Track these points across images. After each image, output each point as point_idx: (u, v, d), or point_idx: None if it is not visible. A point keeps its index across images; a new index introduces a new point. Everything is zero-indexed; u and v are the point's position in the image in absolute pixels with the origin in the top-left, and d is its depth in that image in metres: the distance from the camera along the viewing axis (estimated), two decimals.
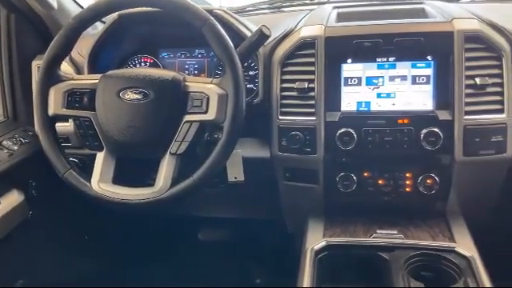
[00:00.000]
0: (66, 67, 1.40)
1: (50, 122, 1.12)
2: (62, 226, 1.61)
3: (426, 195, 1.19)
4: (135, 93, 1.07)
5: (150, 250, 1.91)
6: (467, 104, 1.13)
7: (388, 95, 1.19)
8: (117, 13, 1.31)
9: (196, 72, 1.45)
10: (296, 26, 1.31)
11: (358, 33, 1.19)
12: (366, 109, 1.20)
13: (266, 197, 1.46)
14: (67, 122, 1.38)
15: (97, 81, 1.10)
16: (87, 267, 1.73)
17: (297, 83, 1.21)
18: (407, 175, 1.20)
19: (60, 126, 1.33)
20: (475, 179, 1.19)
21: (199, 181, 1.05)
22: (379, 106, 1.19)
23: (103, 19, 1.20)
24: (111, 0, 1.08)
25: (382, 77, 1.19)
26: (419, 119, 1.15)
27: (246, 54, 1.13)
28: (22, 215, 1.39)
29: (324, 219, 1.26)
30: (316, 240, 1.16)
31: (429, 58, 1.16)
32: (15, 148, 1.38)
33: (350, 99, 1.20)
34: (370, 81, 1.19)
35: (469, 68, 1.13)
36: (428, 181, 1.18)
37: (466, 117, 1.13)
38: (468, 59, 1.13)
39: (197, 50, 1.45)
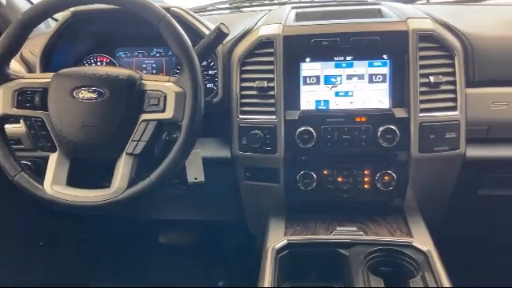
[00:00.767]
0: (16, 66, 1.35)
1: None
2: (13, 230, 1.54)
3: (384, 191, 1.21)
4: (89, 91, 1.03)
5: (109, 255, 1.86)
6: (422, 102, 1.16)
7: (346, 94, 1.20)
8: (70, 10, 1.27)
9: (154, 71, 1.42)
10: (255, 26, 1.31)
11: (315, 32, 1.20)
12: (324, 107, 1.21)
13: (227, 197, 1.45)
14: (19, 123, 1.33)
15: (49, 79, 1.06)
16: (42, 273, 1.66)
17: (256, 82, 1.21)
18: (365, 172, 1.22)
19: (11, 128, 1.28)
20: (431, 175, 1.22)
21: (157, 181, 1.02)
22: (337, 104, 1.20)
23: (56, 17, 1.17)
24: None
25: (340, 76, 1.20)
26: (376, 117, 1.17)
27: (204, 53, 1.12)
28: None
29: (285, 218, 1.27)
30: (277, 239, 1.16)
31: (385, 57, 1.18)
32: None
33: (309, 98, 1.21)
34: (328, 80, 1.20)
35: (423, 66, 1.16)
36: (385, 177, 1.20)
37: (421, 114, 1.16)
38: (422, 58, 1.16)
39: (155, 49, 1.42)
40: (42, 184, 1.05)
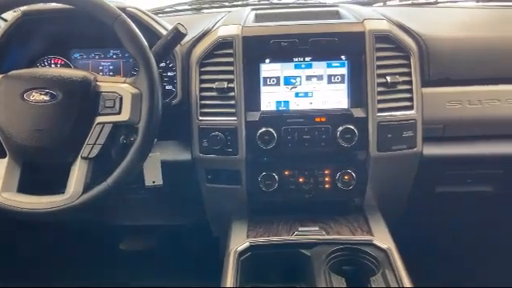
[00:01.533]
0: None
1: None
2: None
3: (345, 191, 1.22)
4: (41, 94, 1.00)
5: (68, 264, 1.80)
6: (380, 101, 1.18)
7: (306, 94, 1.21)
8: (21, 10, 1.22)
9: (111, 74, 1.39)
10: (214, 26, 1.29)
11: (274, 33, 1.20)
12: (285, 108, 1.21)
13: (189, 201, 1.43)
14: None
15: None
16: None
17: (216, 83, 1.19)
18: (326, 172, 1.22)
19: None
20: (389, 174, 1.24)
21: (114, 185, 0.99)
22: (297, 105, 1.21)
23: (6, 17, 1.12)
24: None
25: (300, 76, 1.20)
26: (335, 117, 1.18)
27: (161, 53, 1.10)
28: None
29: (248, 220, 1.26)
30: (239, 241, 1.15)
31: (343, 57, 1.19)
32: None
33: (270, 99, 1.21)
34: (287, 80, 1.20)
35: (380, 67, 1.18)
36: (345, 177, 1.21)
37: (379, 114, 1.17)
38: (379, 58, 1.18)
39: (111, 51, 1.39)
40: None
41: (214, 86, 1.19)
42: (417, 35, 1.24)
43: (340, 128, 1.17)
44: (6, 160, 1.02)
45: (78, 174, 1.00)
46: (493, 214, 1.48)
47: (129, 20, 0.99)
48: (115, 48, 1.38)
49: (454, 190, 1.35)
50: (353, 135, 1.16)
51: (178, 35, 1.09)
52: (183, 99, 1.24)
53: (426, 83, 1.22)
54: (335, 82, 1.20)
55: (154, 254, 1.82)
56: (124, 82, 1.01)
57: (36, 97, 1.00)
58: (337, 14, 1.34)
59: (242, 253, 1.12)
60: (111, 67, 1.39)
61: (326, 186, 1.23)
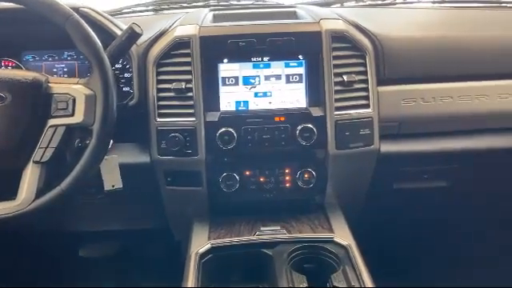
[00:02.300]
0: None
1: None
2: None
3: (305, 189, 1.23)
4: None
5: (25, 274, 1.73)
6: (337, 100, 1.19)
7: (265, 94, 1.21)
8: None
9: (66, 76, 1.35)
10: (170, 27, 1.28)
11: (232, 32, 1.19)
12: (244, 108, 1.21)
13: (149, 205, 1.41)
14: None
15: None
16: None
17: (174, 84, 1.18)
18: (286, 171, 1.23)
19: None
20: (348, 171, 1.26)
21: (68, 190, 0.96)
22: (257, 105, 1.21)
23: None
24: None
25: (258, 76, 1.20)
26: (294, 116, 1.19)
27: (116, 54, 1.07)
28: None
29: (209, 222, 1.25)
30: (201, 243, 1.14)
31: (300, 57, 1.20)
32: None
33: (229, 99, 1.20)
34: (246, 80, 1.20)
35: (337, 66, 1.19)
36: (306, 175, 1.22)
37: (337, 112, 1.19)
38: (335, 58, 1.19)
39: (66, 52, 1.35)
40: None
41: (171, 86, 1.18)
42: (372, 35, 1.26)
43: (299, 127, 1.18)
44: None
45: (29, 178, 0.96)
46: (449, 209, 1.52)
47: (81, 20, 0.97)
48: (69, 49, 1.34)
49: (411, 186, 1.39)
50: (312, 134, 1.17)
51: (132, 35, 1.07)
52: (140, 100, 1.22)
53: (381, 82, 1.25)
54: (293, 82, 1.21)
55: (116, 259, 1.77)
56: (77, 83, 0.99)
57: None
58: (294, 15, 1.35)
59: (203, 255, 1.10)
60: (66, 69, 1.35)
61: (287, 184, 1.24)
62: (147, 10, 1.69)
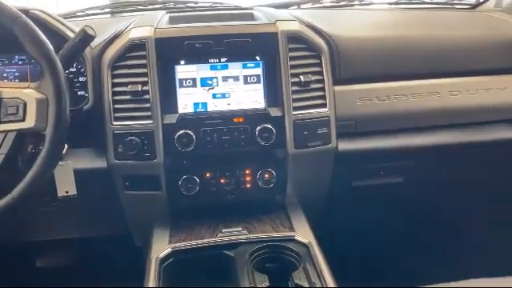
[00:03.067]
0: None
1: None
2: None
3: (266, 189, 1.23)
4: None
5: None
6: (294, 100, 1.20)
7: (223, 95, 1.21)
8: None
9: (17, 80, 1.30)
10: (125, 29, 1.26)
11: (188, 34, 1.19)
12: (202, 110, 1.20)
13: (108, 211, 1.38)
14: None
15: None
16: None
17: (129, 86, 1.16)
18: (247, 172, 1.23)
19: None
20: (308, 170, 1.27)
21: (20, 197, 0.93)
22: (215, 106, 1.20)
23: None
24: None
25: (216, 77, 1.20)
26: (253, 117, 1.19)
27: (69, 56, 1.04)
28: None
29: (170, 226, 1.23)
30: (161, 248, 1.13)
31: (257, 58, 1.21)
32: None
33: (187, 101, 1.20)
34: (204, 82, 1.20)
35: (293, 66, 1.21)
36: (266, 175, 1.22)
37: (295, 112, 1.20)
38: (292, 58, 1.21)
39: (17, 56, 1.30)
40: None
41: (127, 89, 1.16)
42: (327, 36, 1.28)
43: (258, 127, 1.18)
44: None
45: None
46: (406, 204, 1.57)
47: (30, 22, 0.94)
48: (21, 53, 1.30)
49: (369, 183, 1.42)
50: (271, 134, 1.18)
51: (85, 38, 1.04)
52: (95, 104, 1.19)
53: (337, 81, 1.27)
54: (251, 83, 1.21)
55: (75, 268, 1.73)
56: (28, 87, 0.95)
57: None
58: (251, 16, 1.36)
59: (163, 259, 1.09)
60: (17, 74, 1.30)
61: (248, 185, 1.24)
62: (102, 13, 1.66)
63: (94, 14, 1.64)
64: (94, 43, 1.19)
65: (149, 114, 1.16)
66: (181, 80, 1.19)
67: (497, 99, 1.36)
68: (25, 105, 0.93)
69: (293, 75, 1.20)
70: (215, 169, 1.23)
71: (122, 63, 1.18)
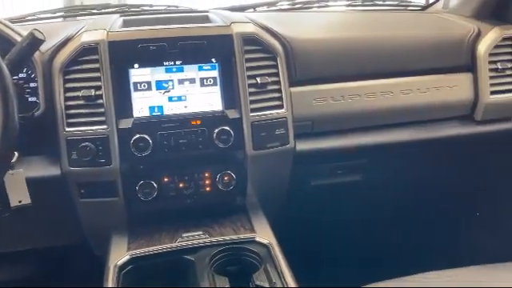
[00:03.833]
0: None
1: None
2: None
3: (226, 192, 1.23)
4: None
5: None
6: (252, 102, 1.21)
7: (179, 98, 1.20)
8: None
9: None
10: (77, 32, 1.23)
11: (142, 37, 1.17)
12: (159, 113, 1.19)
13: (65, 219, 1.33)
14: None
15: None
16: None
17: (82, 91, 1.14)
18: (206, 175, 1.22)
19: None
20: (267, 171, 1.27)
21: None
22: (172, 109, 1.19)
23: None
24: None
25: (172, 80, 1.19)
26: (211, 119, 1.18)
27: (17, 61, 1.01)
28: None
29: (128, 233, 1.21)
30: (120, 255, 1.10)
31: (213, 60, 1.20)
32: None
33: (142, 104, 1.18)
34: (159, 85, 1.19)
35: (249, 68, 1.21)
36: (225, 178, 1.22)
37: (252, 114, 1.20)
38: (248, 60, 1.21)
39: None
40: None
41: (80, 94, 1.13)
42: (282, 38, 1.30)
43: (216, 130, 1.18)
44: None
45: None
46: (364, 202, 1.60)
47: None
48: None
49: (328, 182, 1.44)
50: (229, 136, 1.18)
51: (34, 41, 1.01)
52: (47, 110, 1.16)
53: (293, 83, 1.29)
54: (208, 85, 1.21)
55: (33, 280, 1.66)
56: None
57: None
58: (207, 19, 1.35)
59: (122, 267, 1.07)
60: None
61: (207, 188, 1.23)
62: (54, 17, 1.62)
63: (45, 18, 1.59)
64: (44, 47, 1.15)
65: (103, 118, 1.14)
66: (135, 83, 1.17)
67: (447, 97, 1.41)
68: None
69: (249, 77, 1.21)
70: (173, 173, 1.21)
71: (74, 68, 1.15)
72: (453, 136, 1.43)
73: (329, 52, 1.35)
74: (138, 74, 1.17)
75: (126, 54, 1.16)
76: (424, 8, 1.80)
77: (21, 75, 1.21)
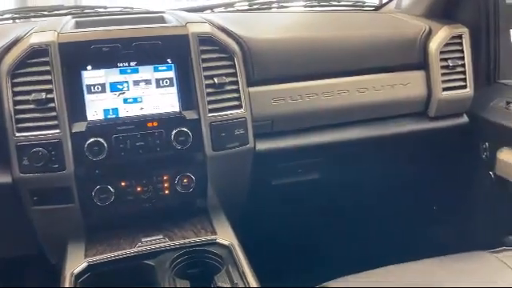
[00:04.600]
0: None
1: None
2: None
3: (185, 194, 1.21)
4: None
5: None
6: (210, 102, 1.20)
7: (135, 100, 1.17)
8: None
9: None
10: (26, 34, 1.18)
11: (94, 38, 1.14)
12: (114, 116, 1.16)
13: (18, 229, 1.28)
14: None
15: None
16: None
17: (33, 95, 1.09)
18: (165, 178, 1.20)
19: None
20: (227, 172, 1.26)
21: None
22: (127, 111, 1.17)
23: None
24: None
25: (127, 82, 1.17)
26: (168, 121, 1.17)
27: None
28: None
29: (85, 239, 1.17)
30: (76, 263, 1.07)
31: (169, 61, 1.19)
32: None
33: (96, 107, 1.15)
34: (114, 87, 1.16)
35: (206, 69, 1.20)
36: (185, 180, 1.20)
37: (210, 114, 1.19)
38: (204, 60, 1.20)
39: None
40: None
41: (30, 97, 1.09)
42: (239, 38, 1.29)
43: (174, 131, 1.16)
44: None
45: None
46: (324, 200, 1.61)
47: None
48: None
49: (288, 181, 1.44)
50: (187, 137, 1.16)
51: None
52: None
53: (252, 83, 1.29)
54: (164, 86, 1.19)
55: None
56: None
57: None
58: (162, 20, 1.33)
59: (79, 275, 1.04)
60: None
61: (166, 191, 1.21)
62: (3, 19, 1.56)
63: None
64: None
65: (55, 122, 1.10)
66: (88, 86, 1.14)
67: (401, 94, 1.44)
68: None
69: (206, 77, 1.20)
70: (131, 177, 1.18)
71: (23, 70, 1.10)
72: (408, 132, 1.46)
73: (286, 52, 1.36)
74: (91, 76, 1.14)
75: (77, 55, 1.13)
76: (377, 8, 1.84)
77: None
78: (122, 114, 1.16)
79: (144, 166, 1.18)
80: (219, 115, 1.21)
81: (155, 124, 1.16)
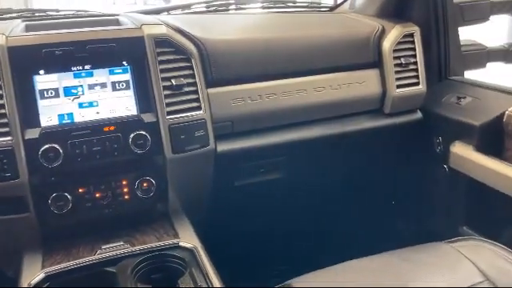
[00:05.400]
0: None
1: None
2: None
3: (146, 199, 1.19)
4: None
5: None
6: (168, 105, 1.18)
7: (90, 104, 1.15)
8: None
9: None
10: None
11: (46, 41, 1.11)
12: (69, 121, 1.13)
13: None
14: None
15: None
16: None
17: None
18: (124, 183, 1.18)
19: None
20: (188, 175, 1.25)
21: None
22: (83, 116, 1.14)
23: None
24: None
25: (81, 86, 1.14)
26: (125, 124, 1.14)
27: None
28: None
29: (42, 249, 1.13)
30: (33, 274, 1.03)
31: (125, 63, 1.17)
32: None
33: (50, 113, 1.11)
34: (68, 91, 1.13)
35: (163, 70, 1.19)
36: (144, 184, 1.18)
37: (169, 117, 1.18)
38: (161, 62, 1.19)
39: None
40: None
41: None
42: (195, 39, 1.29)
43: (131, 135, 1.14)
44: None
45: None
46: (287, 199, 1.63)
47: None
48: None
49: (251, 182, 1.45)
50: (145, 141, 1.15)
51: None
52: None
53: (210, 84, 1.28)
54: (120, 89, 1.17)
55: None
56: None
57: None
58: (117, 22, 1.31)
59: (36, 287, 1.00)
60: None
61: (126, 197, 1.18)
62: None
63: None
64: None
65: (7, 129, 1.06)
66: (41, 91, 1.10)
67: (357, 92, 1.47)
68: None
69: (164, 79, 1.18)
70: (88, 183, 1.15)
71: None
72: (365, 129, 1.50)
73: (243, 52, 1.36)
74: (43, 80, 1.11)
75: (28, 59, 1.09)
76: (332, 9, 1.87)
77: None
78: (78, 118, 1.13)
79: (102, 172, 1.16)
80: (178, 117, 1.20)
81: (112, 128, 1.13)
